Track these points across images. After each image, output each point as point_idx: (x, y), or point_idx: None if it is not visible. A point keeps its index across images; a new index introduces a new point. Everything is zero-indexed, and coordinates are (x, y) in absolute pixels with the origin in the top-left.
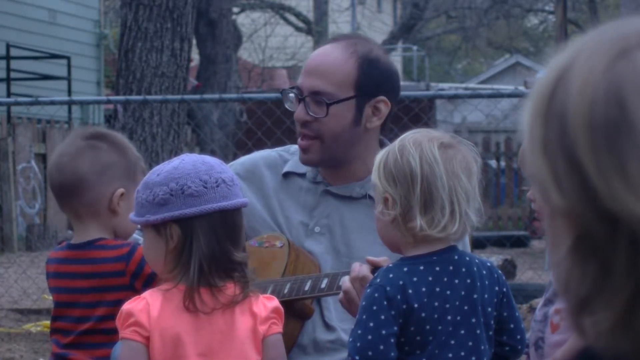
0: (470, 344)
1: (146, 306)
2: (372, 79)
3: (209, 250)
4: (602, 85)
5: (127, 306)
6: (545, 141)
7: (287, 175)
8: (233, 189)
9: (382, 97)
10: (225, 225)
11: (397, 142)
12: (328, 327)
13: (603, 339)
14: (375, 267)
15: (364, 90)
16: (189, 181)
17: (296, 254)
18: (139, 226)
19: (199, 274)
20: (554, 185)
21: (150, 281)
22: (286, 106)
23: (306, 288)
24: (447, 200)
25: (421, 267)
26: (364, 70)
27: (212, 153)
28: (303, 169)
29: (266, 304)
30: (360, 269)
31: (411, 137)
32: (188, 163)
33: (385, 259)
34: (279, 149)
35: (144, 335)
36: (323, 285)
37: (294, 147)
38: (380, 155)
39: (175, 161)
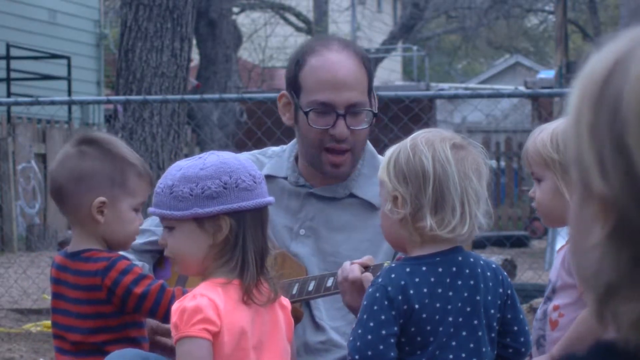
0: (471, 345)
1: (211, 302)
2: (372, 76)
3: (259, 243)
4: None
5: (189, 303)
6: (593, 125)
7: (266, 178)
8: (267, 186)
9: (374, 93)
10: (265, 221)
11: (408, 140)
12: (318, 327)
13: (625, 331)
14: (365, 267)
15: (371, 90)
16: (242, 175)
17: (282, 258)
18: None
19: (255, 267)
20: (597, 170)
21: (126, 297)
22: (312, 125)
23: (294, 292)
24: (459, 201)
25: (424, 268)
26: (369, 71)
27: None
28: (284, 172)
29: (284, 296)
30: (351, 268)
31: (423, 136)
32: (233, 158)
33: (369, 257)
34: (255, 152)
35: (212, 331)
36: (310, 288)
37: (272, 150)
38: (390, 152)
39: (215, 155)
